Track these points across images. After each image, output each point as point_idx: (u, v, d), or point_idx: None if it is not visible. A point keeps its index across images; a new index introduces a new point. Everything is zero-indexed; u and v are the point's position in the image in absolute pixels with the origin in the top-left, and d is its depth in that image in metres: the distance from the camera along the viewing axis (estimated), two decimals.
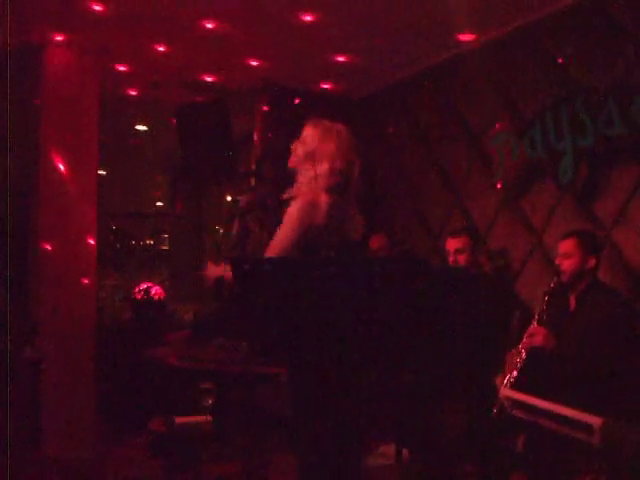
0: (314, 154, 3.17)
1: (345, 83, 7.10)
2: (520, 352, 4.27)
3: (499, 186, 5.79)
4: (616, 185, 4.89)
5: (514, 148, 5.56)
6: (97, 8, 5.35)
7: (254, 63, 6.69)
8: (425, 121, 6.87)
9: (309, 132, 3.23)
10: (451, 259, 5.25)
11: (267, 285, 2.79)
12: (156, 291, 7.15)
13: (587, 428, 3.14)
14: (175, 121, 7.29)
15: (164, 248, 13.06)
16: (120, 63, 6.69)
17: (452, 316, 2.76)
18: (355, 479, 2.73)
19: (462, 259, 5.19)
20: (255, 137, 7.71)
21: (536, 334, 4.23)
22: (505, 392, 3.89)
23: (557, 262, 4.44)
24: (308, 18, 5.59)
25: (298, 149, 3.24)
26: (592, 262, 4.33)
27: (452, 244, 5.25)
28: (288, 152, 3.32)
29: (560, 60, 5.32)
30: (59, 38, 5.92)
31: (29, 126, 6.07)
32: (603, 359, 4.02)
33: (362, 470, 2.73)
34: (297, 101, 7.40)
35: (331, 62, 6.59)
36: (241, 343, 4.58)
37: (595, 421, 3.11)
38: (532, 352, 4.23)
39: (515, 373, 4.21)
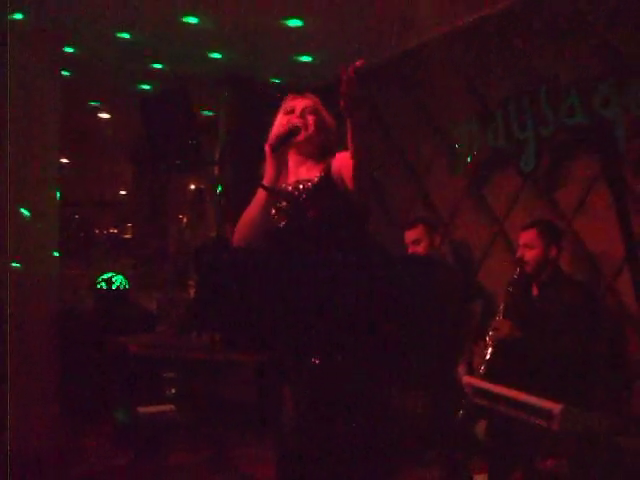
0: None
1: (307, 72, 7.09)
2: (486, 345, 4.31)
3: (461, 175, 5.82)
4: (577, 174, 4.94)
5: (477, 137, 5.59)
6: None
7: (218, 52, 6.65)
8: (388, 111, 6.88)
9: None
10: (410, 250, 5.27)
11: (233, 274, 2.79)
12: (119, 281, 7.11)
13: (547, 414, 3.19)
14: (139, 109, 7.25)
15: (128, 237, 13.00)
16: (82, 50, 6.61)
17: (411, 304, 2.77)
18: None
19: (420, 249, 5.21)
20: (219, 126, 7.69)
21: (501, 327, 4.27)
22: (467, 380, 3.93)
23: (519, 253, 4.48)
24: (274, 12, 5.59)
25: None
26: (554, 252, 4.39)
27: (408, 235, 5.28)
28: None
29: (523, 50, 5.36)
30: (19, 23, 5.83)
31: None
32: (565, 347, 4.07)
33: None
34: (261, 91, 7.39)
35: (294, 51, 6.58)
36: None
37: (555, 407, 3.16)
38: (497, 344, 4.26)
39: (482, 367, 4.25)
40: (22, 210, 5.91)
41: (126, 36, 6.20)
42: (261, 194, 2.94)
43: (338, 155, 2.99)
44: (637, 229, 4.40)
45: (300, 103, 3.07)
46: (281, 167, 2.99)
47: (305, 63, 6.79)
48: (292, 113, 3.04)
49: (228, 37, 6.21)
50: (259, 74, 7.31)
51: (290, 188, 2.99)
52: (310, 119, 3.03)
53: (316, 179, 2.95)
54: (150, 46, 6.51)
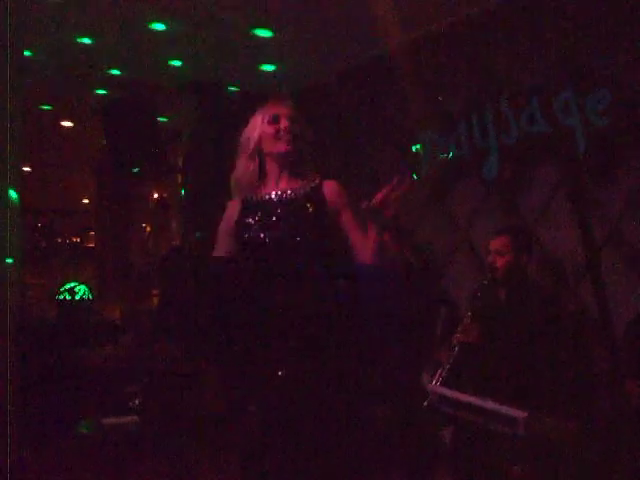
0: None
1: (273, 80, 7.10)
2: (453, 347, 4.31)
3: (425, 183, 5.85)
4: (539, 181, 4.99)
5: (440, 146, 5.62)
6: None
7: (182, 60, 6.63)
8: (351, 120, 6.89)
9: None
10: None
11: (197, 284, 2.77)
12: (82, 291, 7.04)
13: (512, 421, 3.21)
14: (102, 117, 7.19)
15: (90, 246, 12.89)
16: (43, 57, 6.55)
17: (377, 312, 2.78)
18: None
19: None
20: (182, 134, 7.66)
21: (469, 330, 4.27)
22: (432, 388, 3.93)
23: (491, 259, 4.45)
24: (239, 19, 5.59)
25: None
26: (525, 259, 4.38)
27: None
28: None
29: (486, 59, 5.40)
30: None
31: None
32: (531, 353, 4.10)
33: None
34: (225, 98, 7.37)
35: (259, 60, 6.58)
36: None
37: (519, 414, 3.18)
38: (464, 348, 4.27)
39: (447, 367, 4.25)
40: None
41: (87, 41, 6.14)
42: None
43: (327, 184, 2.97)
44: (597, 236, 4.47)
45: (284, 111, 3.01)
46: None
47: (272, 69, 6.81)
48: (277, 122, 2.97)
49: (193, 44, 6.18)
50: (223, 81, 7.29)
51: (273, 197, 2.94)
52: (297, 129, 2.98)
53: (303, 191, 2.93)
54: (113, 52, 6.46)
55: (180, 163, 7.72)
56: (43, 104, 8.06)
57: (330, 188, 2.95)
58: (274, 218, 2.86)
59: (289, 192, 2.92)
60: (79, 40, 6.12)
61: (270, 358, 2.73)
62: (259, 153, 2.99)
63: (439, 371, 4.29)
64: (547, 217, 4.93)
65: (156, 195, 10.22)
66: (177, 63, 6.69)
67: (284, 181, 2.95)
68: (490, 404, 3.33)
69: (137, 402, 4.37)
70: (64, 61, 6.69)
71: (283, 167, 2.97)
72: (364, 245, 2.83)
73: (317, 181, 2.95)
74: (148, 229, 10.68)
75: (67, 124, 9.17)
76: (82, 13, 5.53)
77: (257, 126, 3.00)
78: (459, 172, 5.57)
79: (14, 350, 5.90)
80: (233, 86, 7.38)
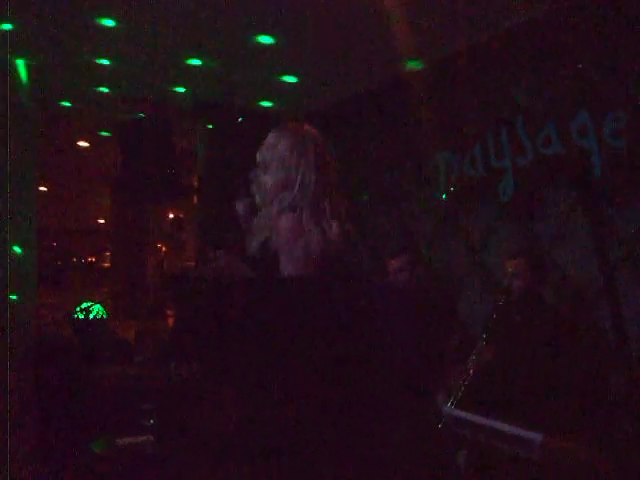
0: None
1: (288, 101, 7.12)
2: (468, 370, 4.29)
3: (440, 204, 5.85)
4: (554, 203, 4.97)
5: (455, 167, 5.62)
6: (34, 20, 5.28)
7: (198, 78, 6.66)
8: (367, 140, 6.90)
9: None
10: (393, 279, 5.26)
11: (211, 304, 2.77)
12: (97, 310, 7.05)
13: (527, 444, 3.18)
14: (118, 138, 7.23)
15: (106, 265, 12.93)
16: (61, 77, 6.60)
17: (394, 333, 2.77)
18: None
19: (402, 277, 5.21)
20: (198, 153, 7.68)
21: (485, 352, 4.26)
22: (447, 410, 3.91)
23: (506, 281, 4.45)
24: (255, 38, 5.61)
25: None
26: (540, 281, 4.38)
27: (392, 264, 5.27)
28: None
29: (501, 82, 5.40)
30: None
31: None
32: (547, 375, 4.08)
33: None
34: (239, 118, 7.39)
35: (275, 81, 6.60)
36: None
37: (535, 437, 3.15)
38: (479, 369, 4.26)
39: (462, 389, 4.23)
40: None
41: (105, 62, 6.18)
42: None
43: None
44: (614, 257, 4.44)
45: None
46: None
47: (287, 90, 6.83)
48: None
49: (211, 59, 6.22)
50: (240, 98, 7.32)
51: None
52: None
53: None
54: (129, 74, 6.49)
55: (196, 184, 7.75)
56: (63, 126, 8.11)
57: None
58: None
59: None
60: (97, 61, 6.16)
61: (285, 377, 2.73)
62: None
63: (454, 393, 4.27)
64: (563, 238, 4.91)
65: (172, 215, 10.27)
66: (194, 62, 6.69)
67: None
68: (505, 426, 3.31)
69: (152, 421, 4.36)
70: (82, 84, 6.74)
71: None
72: None
73: None
74: (164, 249, 10.72)
75: (83, 144, 9.23)
76: (100, 35, 5.57)
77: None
78: (474, 193, 5.56)
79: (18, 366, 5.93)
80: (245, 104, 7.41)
